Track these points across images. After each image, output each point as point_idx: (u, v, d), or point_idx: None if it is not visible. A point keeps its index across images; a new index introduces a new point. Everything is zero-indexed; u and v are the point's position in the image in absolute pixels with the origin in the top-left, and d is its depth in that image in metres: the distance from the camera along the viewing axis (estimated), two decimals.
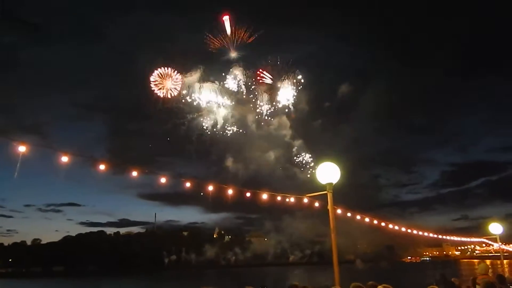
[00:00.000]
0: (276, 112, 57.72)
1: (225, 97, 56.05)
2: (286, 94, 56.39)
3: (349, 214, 18.57)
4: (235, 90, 56.44)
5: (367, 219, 21.42)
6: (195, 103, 55.47)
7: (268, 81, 56.98)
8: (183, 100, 55.22)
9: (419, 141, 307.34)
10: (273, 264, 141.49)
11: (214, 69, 56.34)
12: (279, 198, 13.87)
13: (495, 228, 22.67)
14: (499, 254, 64.44)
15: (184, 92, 55.02)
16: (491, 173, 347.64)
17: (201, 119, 56.07)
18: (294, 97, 56.73)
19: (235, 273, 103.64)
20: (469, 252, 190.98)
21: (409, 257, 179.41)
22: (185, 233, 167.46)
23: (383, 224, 24.37)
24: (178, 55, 55.27)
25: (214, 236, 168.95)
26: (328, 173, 9.38)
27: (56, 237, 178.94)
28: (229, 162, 60.38)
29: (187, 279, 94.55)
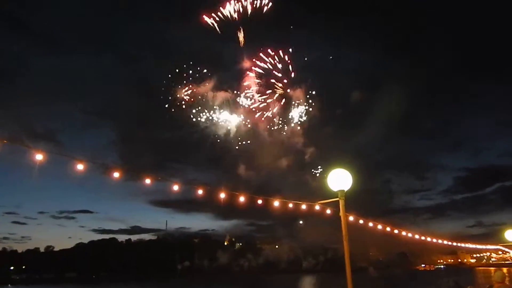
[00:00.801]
0: (289, 120, 57.72)
1: (238, 106, 56.32)
2: (299, 103, 56.57)
3: (361, 221, 18.44)
4: (248, 98, 56.69)
5: (379, 226, 21.24)
6: (207, 114, 55.80)
7: (280, 90, 57.20)
8: (194, 110, 55.55)
9: (431, 146, 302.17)
10: (286, 271, 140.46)
11: (226, 77, 56.72)
12: (290, 205, 13.87)
13: (511, 235, 22.26)
14: None
15: (197, 103, 55.38)
16: (506, 179, 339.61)
17: (214, 128, 56.33)
18: (306, 106, 56.82)
19: (248, 280, 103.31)
20: (485, 260, 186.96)
21: (423, 265, 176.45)
22: (196, 240, 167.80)
23: (396, 231, 24.13)
24: (190, 63, 55.68)
25: (225, 243, 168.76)
26: (340, 180, 9.34)
27: (69, 244, 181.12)
28: (241, 169, 60.46)
29: (198, 286, 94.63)
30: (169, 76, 55.12)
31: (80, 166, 9.94)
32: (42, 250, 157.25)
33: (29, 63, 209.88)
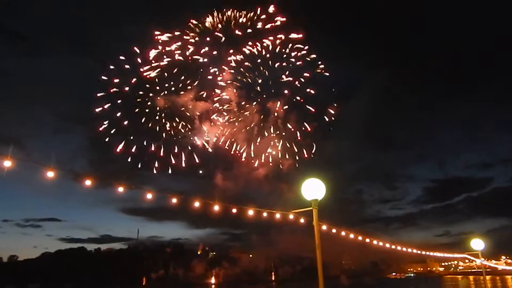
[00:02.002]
0: (266, 132, 58.22)
1: (218, 116, 56.26)
2: (276, 115, 57.37)
3: (334, 230, 18.72)
4: (228, 109, 56.83)
5: (351, 235, 21.61)
6: (185, 123, 55.41)
7: (256, 103, 57.74)
8: (171, 120, 55.01)
9: (400, 158, 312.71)
10: (261, 281, 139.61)
11: (206, 88, 56.50)
12: (265, 214, 13.96)
13: (477, 244, 23.15)
14: (481, 270, 65.39)
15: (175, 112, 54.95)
16: (472, 189, 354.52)
17: (192, 137, 55.91)
18: (282, 119, 57.65)
19: None
20: (452, 268, 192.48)
21: (393, 273, 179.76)
22: (168, 249, 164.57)
23: (367, 240, 24.60)
24: (170, 72, 55.18)
25: (199, 252, 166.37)
26: (313, 189, 9.52)
27: (34, 254, 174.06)
28: (218, 178, 60.11)
29: None
30: (147, 86, 54.31)
31: (49, 174, 9.69)
32: (5, 260, 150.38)
33: (3, 64, 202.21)
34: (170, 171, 54.60)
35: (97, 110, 51.45)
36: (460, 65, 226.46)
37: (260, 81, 57.05)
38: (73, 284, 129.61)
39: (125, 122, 52.88)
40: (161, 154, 54.56)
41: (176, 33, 54.07)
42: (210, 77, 55.67)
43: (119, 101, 53.44)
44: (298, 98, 57.75)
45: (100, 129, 51.29)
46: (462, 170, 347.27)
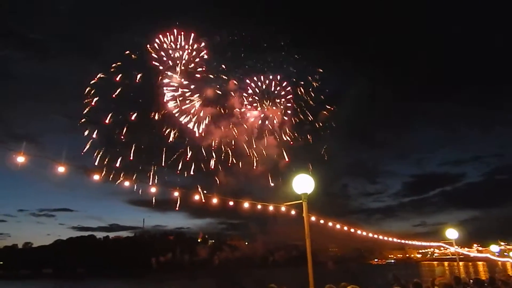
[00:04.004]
0: (264, 134, 59.03)
1: (222, 120, 56.52)
2: (275, 119, 58.36)
3: (322, 221, 18.79)
4: (230, 114, 57.18)
5: (338, 226, 21.71)
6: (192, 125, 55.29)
7: (255, 112, 58.33)
8: (180, 120, 54.72)
9: (383, 155, 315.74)
10: (257, 266, 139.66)
11: (214, 94, 56.75)
12: (259, 206, 13.97)
13: (451, 233, 23.30)
14: (455, 257, 66.05)
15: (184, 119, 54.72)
16: (446, 184, 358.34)
17: (197, 137, 55.85)
18: (279, 123, 58.58)
19: (221, 274, 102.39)
20: (429, 255, 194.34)
21: (375, 260, 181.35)
22: (172, 237, 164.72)
23: (352, 230, 24.74)
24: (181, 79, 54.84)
25: (199, 240, 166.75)
26: (303, 184, 9.55)
27: (48, 241, 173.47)
28: (219, 174, 60.04)
29: (172, 280, 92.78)
30: (159, 89, 53.72)
31: (60, 169, 9.63)
32: (20, 246, 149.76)
33: (16, 68, 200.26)
34: (178, 169, 54.27)
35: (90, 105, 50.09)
36: (438, 67, 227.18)
37: (258, 89, 57.48)
38: (84, 269, 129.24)
39: (134, 116, 52.18)
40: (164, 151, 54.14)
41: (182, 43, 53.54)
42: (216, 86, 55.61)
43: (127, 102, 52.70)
44: (293, 105, 58.55)
45: (106, 121, 50.30)
46: (438, 166, 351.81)
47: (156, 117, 52.68)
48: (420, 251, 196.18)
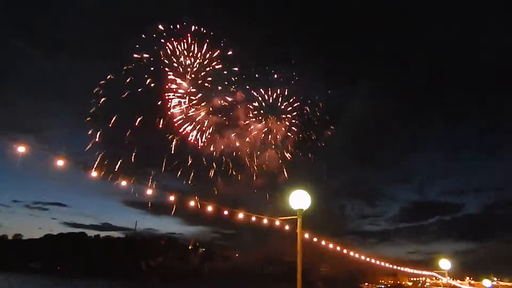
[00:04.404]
0: (267, 147, 59.36)
1: (226, 130, 56.77)
2: (279, 134, 58.72)
3: (315, 239, 18.64)
4: (234, 125, 57.51)
5: (331, 245, 21.50)
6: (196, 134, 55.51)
7: (259, 125, 58.75)
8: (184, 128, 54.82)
9: (385, 177, 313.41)
10: (248, 279, 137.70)
11: (220, 106, 57.12)
12: (253, 218, 13.89)
13: (444, 263, 23.11)
14: None
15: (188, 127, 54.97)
16: (445, 213, 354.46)
17: (199, 144, 55.93)
18: (282, 138, 58.94)
19: (207, 285, 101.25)
20: (420, 284, 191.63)
21: (366, 284, 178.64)
22: (163, 242, 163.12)
23: (345, 251, 24.49)
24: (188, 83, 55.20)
25: (190, 247, 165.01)
26: (300, 200, 9.51)
27: (38, 235, 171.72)
28: (218, 183, 60.00)
29: (160, 286, 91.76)
30: (166, 94, 54.01)
31: (59, 162, 9.64)
32: (10, 237, 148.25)
33: (29, 64, 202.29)
34: (177, 175, 54.20)
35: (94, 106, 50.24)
36: (444, 93, 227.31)
37: (265, 102, 58.00)
38: (72, 266, 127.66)
39: (138, 120, 52.39)
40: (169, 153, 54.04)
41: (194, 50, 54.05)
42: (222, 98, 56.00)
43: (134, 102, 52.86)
44: (297, 121, 59.07)
45: (111, 121, 50.61)
46: (439, 194, 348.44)
47: (161, 122, 53.01)
48: (412, 279, 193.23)
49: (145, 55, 51.41)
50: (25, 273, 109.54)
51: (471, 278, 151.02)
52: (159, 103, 52.92)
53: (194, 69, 54.17)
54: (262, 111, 58.34)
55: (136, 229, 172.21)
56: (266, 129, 58.59)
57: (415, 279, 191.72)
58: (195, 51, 53.63)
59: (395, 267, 52.18)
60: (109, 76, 50.36)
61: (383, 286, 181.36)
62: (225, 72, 55.22)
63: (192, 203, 13.12)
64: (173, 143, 53.52)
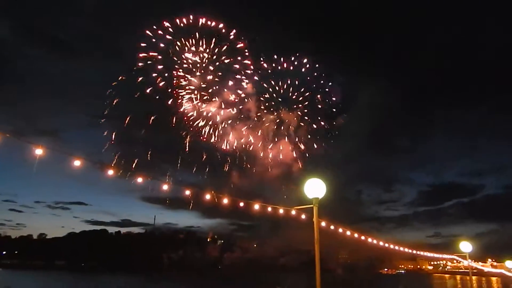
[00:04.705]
0: (279, 138, 59.28)
1: (239, 123, 56.77)
2: (291, 124, 58.54)
3: (332, 227, 18.59)
4: (246, 117, 57.46)
5: (348, 232, 21.44)
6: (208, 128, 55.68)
7: (271, 116, 58.49)
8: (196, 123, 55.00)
9: (401, 162, 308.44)
10: (266, 269, 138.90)
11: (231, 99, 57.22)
12: (269, 209, 13.94)
13: (465, 246, 22.77)
14: (468, 271, 64.42)
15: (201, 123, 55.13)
16: (463, 195, 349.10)
17: (212, 139, 56.14)
18: (295, 127, 58.71)
19: (226, 277, 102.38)
20: (441, 267, 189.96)
21: (385, 269, 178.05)
22: (182, 236, 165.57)
23: (363, 237, 24.37)
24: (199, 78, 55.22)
25: (208, 240, 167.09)
26: (315, 188, 9.47)
27: (61, 233, 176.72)
28: (233, 175, 60.45)
29: (181, 279, 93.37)
30: (177, 92, 54.17)
31: (76, 162, 9.84)
32: (35, 237, 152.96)
33: (44, 67, 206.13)
34: (193, 170, 54.68)
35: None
36: (459, 74, 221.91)
37: (276, 94, 57.74)
38: (95, 263, 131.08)
39: (152, 118, 52.87)
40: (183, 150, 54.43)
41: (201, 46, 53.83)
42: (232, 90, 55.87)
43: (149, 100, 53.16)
44: (309, 110, 58.71)
45: (126, 120, 51.25)
46: (456, 176, 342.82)
47: (174, 119, 53.41)
48: (432, 262, 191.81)
49: (152, 54, 51.69)
50: (51, 271, 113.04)
51: (494, 260, 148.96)
52: (170, 100, 53.34)
53: (204, 65, 54.25)
54: (273, 103, 58.15)
55: (155, 224, 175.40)
56: (278, 120, 58.43)
57: (435, 262, 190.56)
58: (204, 46, 53.63)
59: (414, 251, 51.61)
60: (120, 77, 50.88)
61: (403, 271, 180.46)
62: (236, 66, 55.20)
63: (208, 197, 13.21)
64: (187, 139, 53.98)
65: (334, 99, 59.59)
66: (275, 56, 57.13)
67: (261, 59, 56.66)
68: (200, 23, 52.88)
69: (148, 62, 51.94)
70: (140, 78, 51.69)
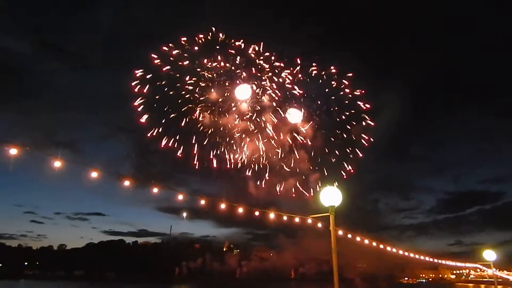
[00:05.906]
0: (296, 147, 59.36)
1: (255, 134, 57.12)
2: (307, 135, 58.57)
3: (349, 235, 18.28)
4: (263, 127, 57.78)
5: (366, 241, 21.03)
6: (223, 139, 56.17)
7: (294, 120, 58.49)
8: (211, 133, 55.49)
9: (418, 169, 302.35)
10: (282, 279, 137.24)
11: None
12: (285, 217, 13.82)
13: (489, 255, 21.99)
14: (493, 280, 62.11)
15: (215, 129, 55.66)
16: (485, 202, 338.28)
17: (226, 150, 56.53)
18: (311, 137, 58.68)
19: (245, 286, 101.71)
20: (464, 276, 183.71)
21: (406, 278, 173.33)
22: (198, 245, 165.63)
23: (381, 246, 23.86)
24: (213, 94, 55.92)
25: (224, 249, 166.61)
26: (331, 196, 9.36)
27: (81, 244, 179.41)
28: (250, 185, 60.53)
29: None
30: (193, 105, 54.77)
31: (93, 174, 10.02)
32: (55, 248, 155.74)
33: (59, 79, 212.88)
34: (209, 180, 55.09)
35: (142, 119, 51.65)
36: (477, 79, 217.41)
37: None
38: (113, 273, 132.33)
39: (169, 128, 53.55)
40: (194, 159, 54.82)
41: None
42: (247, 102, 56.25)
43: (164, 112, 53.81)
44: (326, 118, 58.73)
45: (148, 134, 51.97)
46: (476, 183, 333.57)
47: (191, 131, 54.03)
48: (455, 271, 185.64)
49: (167, 67, 52.56)
50: (70, 281, 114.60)
51: None
52: (187, 113, 54.01)
53: (221, 78, 54.92)
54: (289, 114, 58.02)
55: (171, 234, 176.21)
56: (293, 130, 58.43)
57: (458, 271, 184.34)
58: (218, 58, 54.33)
59: (435, 260, 50.21)
60: (136, 89, 51.81)
61: (424, 281, 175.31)
62: (254, 80, 55.68)
63: (223, 206, 13.20)
64: (204, 150, 54.46)
65: (349, 107, 59.32)
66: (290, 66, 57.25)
67: (276, 70, 56.83)
68: (219, 39, 53.86)
69: (163, 76, 52.92)
70: (156, 93, 52.58)
